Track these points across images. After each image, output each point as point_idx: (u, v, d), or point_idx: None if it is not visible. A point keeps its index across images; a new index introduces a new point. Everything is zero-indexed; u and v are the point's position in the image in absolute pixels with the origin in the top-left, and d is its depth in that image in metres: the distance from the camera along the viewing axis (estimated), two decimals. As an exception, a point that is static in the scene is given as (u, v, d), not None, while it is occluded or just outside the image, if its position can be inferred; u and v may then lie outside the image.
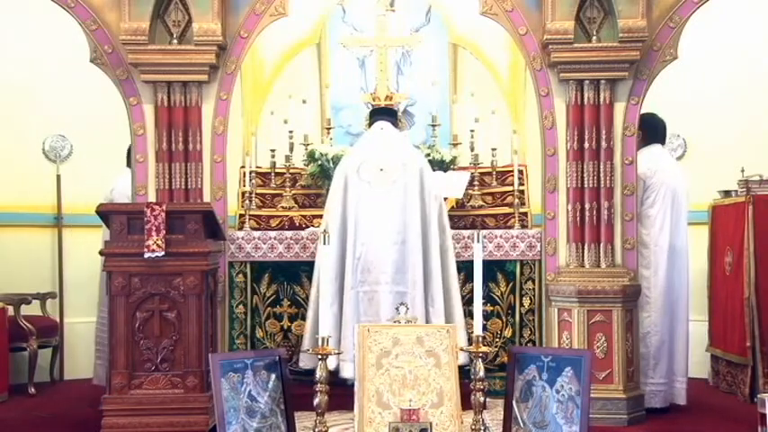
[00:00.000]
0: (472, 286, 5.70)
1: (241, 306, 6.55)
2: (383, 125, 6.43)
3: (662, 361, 6.14)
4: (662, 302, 6.15)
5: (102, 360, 6.78)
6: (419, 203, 6.14)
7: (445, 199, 6.93)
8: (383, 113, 6.58)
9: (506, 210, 7.12)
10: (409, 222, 6.09)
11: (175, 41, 5.93)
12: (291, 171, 7.31)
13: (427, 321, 6.00)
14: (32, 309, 7.30)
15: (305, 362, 6.13)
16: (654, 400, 6.11)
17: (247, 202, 7.05)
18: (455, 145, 7.55)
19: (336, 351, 4.92)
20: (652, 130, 6.37)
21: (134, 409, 5.23)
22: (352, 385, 4.84)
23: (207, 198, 5.99)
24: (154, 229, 5.24)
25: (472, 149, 7.35)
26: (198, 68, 5.92)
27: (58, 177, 7.85)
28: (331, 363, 5.87)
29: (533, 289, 6.54)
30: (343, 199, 6.20)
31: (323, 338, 4.60)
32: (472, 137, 7.38)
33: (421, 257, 6.08)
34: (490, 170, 7.30)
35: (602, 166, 5.95)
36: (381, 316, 5.91)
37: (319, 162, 7.29)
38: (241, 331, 6.56)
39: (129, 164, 7.00)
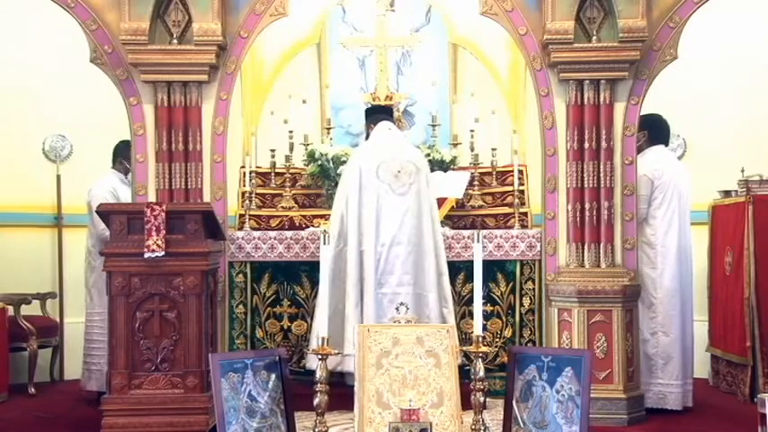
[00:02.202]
0: (472, 286, 5.71)
1: (241, 306, 6.55)
2: (389, 125, 6.45)
3: (672, 362, 6.13)
4: (669, 302, 6.14)
5: (92, 365, 6.72)
6: (428, 206, 6.20)
7: (445, 199, 6.95)
8: (385, 113, 6.59)
9: (506, 210, 7.11)
10: (423, 225, 6.15)
11: (175, 41, 5.93)
12: (291, 171, 7.31)
13: (443, 322, 6.02)
14: (32, 309, 7.30)
15: (311, 363, 6.12)
16: (665, 401, 6.10)
17: (247, 202, 7.05)
18: (455, 145, 7.55)
19: (336, 352, 4.92)
20: (657, 131, 6.38)
21: (134, 409, 5.23)
22: (353, 385, 4.84)
23: (207, 198, 5.99)
24: (154, 229, 5.24)
25: (472, 149, 7.35)
26: (198, 68, 5.92)
27: (58, 177, 7.85)
28: (350, 365, 5.90)
29: (533, 289, 6.54)
30: (359, 198, 6.18)
31: (322, 338, 4.60)
32: (472, 137, 7.38)
33: (434, 260, 6.14)
34: (490, 170, 7.29)
35: (602, 166, 5.95)
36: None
37: (319, 162, 7.29)
38: (241, 331, 6.56)
39: (114, 164, 7.01)
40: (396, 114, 7.42)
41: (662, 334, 6.13)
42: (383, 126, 6.44)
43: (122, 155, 6.90)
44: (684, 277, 6.24)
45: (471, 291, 6.27)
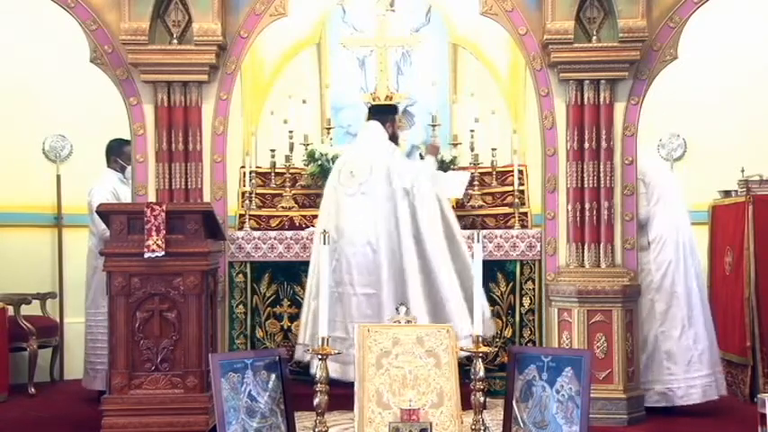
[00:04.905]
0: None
1: (241, 306, 6.56)
2: (370, 125, 6.53)
3: (706, 352, 6.11)
4: (689, 295, 6.12)
5: (97, 364, 6.70)
6: (385, 205, 6.19)
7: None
8: (375, 112, 6.64)
9: (506, 210, 7.12)
10: (377, 225, 6.16)
11: (175, 41, 5.93)
12: (291, 171, 7.31)
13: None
14: (32, 309, 7.30)
15: (299, 355, 6.24)
16: (708, 392, 6.09)
17: (247, 202, 7.05)
18: (455, 145, 7.55)
19: (337, 352, 4.93)
20: None
21: (134, 409, 5.23)
22: (353, 385, 4.84)
23: (207, 198, 5.99)
24: (154, 229, 5.24)
25: (472, 149, 7.35)
26: (198, 68, 5.93)
27: (58, 177, 7.85)
28: (306, 355, 6.00)
29: (533, 289, 6.54)
30: (325, 199, 6.40)
31: (323, 338, 4.60)
32: (472, 137, 7.38)
33: (387, 260, 6.12)
34: (490, 170, 7.30)
35: (602, 166, 5.95)
36: (351, 316, 6.07)
37: (319, 162, 7.29)
38: (241, 331, 6.56)
39: (108, 164, 7.01)
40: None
41: (688, 326, 6.09)
42: (364, 126, 6.57)
43: (115, 153, 6.93)
44: (697, 269, 6.25)
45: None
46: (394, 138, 6.54)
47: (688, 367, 6.07)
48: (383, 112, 6.62)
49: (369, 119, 6.60)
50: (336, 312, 6.05)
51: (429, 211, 6.22)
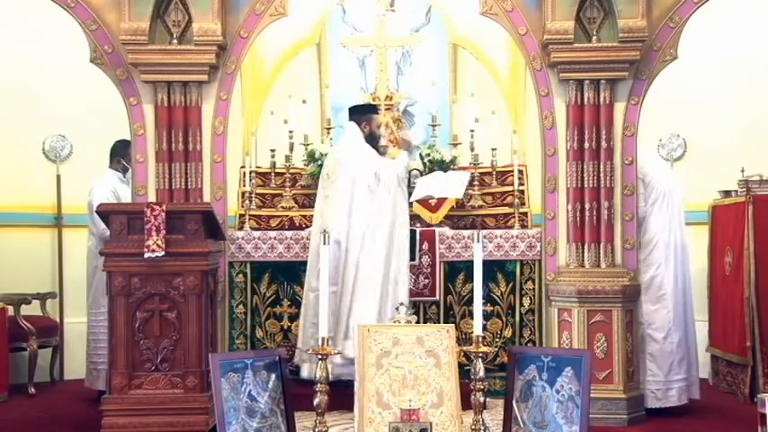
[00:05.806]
0: (472, 286, 5.71)
1: (241, 306, 6.56)
2: (348, 126, 6.58)
3: (685, 356, 6.14)
4: (675, 298, 6.14)
5: (99, 364, 6.71)
6: (348, 205, 6.25)
7: (445, 199, 6.95)
8: (351, 113, 6.66)
9: (506, 210, 7.12)
10: (341, 223, 6.21)
11: (175, 41, 5.93)
12: (291, 171, 7.32)
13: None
14: (32, 309, 7.30)
15: (298, 358, 6.27)
16: (684, 396, 6.12)
17: (247, 202, 7.05)
18: (455, 145, 7.55)
19: (336, 352, 4.94)
20: None
21: (134, 409, 5.23)
22: (353, 385, 4.84)
23: (207, 198, 5.99)
24: (154, 229, 5.24)
25: (472, 149, 7.36)
26: (198, 68, 5.93)
27: (58, 177, 7.84)
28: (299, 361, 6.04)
29: (533, 289, 6.54)
30: (316, 204, 6.53)
31: (322, 339, 4.61)
32: (472, 137, 7.39)
33: (344, 255, 6.19)
34: (490, 170, 7.30)
35: (602, 166, 5.95)
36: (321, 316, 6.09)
37: (319, 162, 7.29)
38: (241, 331, 6.56)
39: (111, 164, 7.01)
40: (395, 114, 7.42)
41: (674, 330, 6.11)
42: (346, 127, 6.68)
43: (120, 154, 6.92)
44: (687, 273, 6.26)
45: (471, 291, 6.27)
46: (372, 137, 6.53)
47: (669, 370, 6.09)
48: (358, 113, 6.62)
49: (349, 120, 6.62)
50: (315, 313, 6.05)
51: (381, 204, 6.29)
